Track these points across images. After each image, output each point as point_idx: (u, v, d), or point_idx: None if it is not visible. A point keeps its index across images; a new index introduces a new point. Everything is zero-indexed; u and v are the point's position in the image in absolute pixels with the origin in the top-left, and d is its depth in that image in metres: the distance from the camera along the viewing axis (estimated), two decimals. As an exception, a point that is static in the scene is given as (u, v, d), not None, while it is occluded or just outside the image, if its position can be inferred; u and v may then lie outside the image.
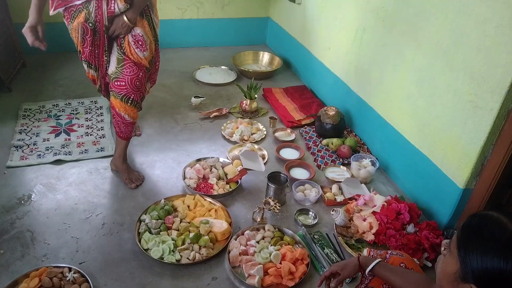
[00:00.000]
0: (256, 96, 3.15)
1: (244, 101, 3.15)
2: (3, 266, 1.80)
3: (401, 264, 1.45)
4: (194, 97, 3.18)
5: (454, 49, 1.95)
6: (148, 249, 1.90)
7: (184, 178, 2.40)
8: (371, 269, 1.40)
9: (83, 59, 2.17)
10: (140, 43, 2.08)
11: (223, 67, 3.90)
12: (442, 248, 1.03)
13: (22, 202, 2.16)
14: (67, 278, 1.72)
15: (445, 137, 2.06)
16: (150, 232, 1.99)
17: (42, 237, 1.96)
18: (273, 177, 2.30)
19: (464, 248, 0.92)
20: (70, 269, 1.76)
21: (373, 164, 2.53)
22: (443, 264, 1.00)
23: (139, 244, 1.91)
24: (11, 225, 2.02)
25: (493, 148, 1.85)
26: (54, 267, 1.76)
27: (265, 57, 4.08)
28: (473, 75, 1.85)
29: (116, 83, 2.13)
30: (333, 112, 2.81)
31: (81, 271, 1.75)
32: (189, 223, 2.07)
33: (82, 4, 1.95)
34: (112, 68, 2.13)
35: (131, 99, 2.17)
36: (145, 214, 2.08)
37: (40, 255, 1.87)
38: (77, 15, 1.99)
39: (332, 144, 2.74)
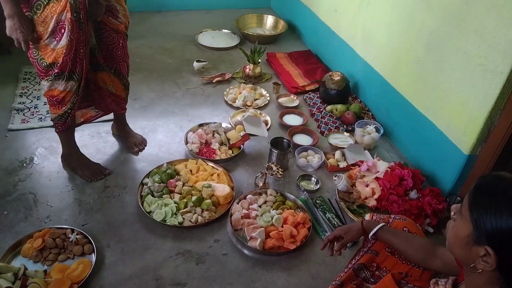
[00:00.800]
0: (259, 60, 3.08)
1: (248, 66, 3.09)
2: (7, 227, 1.82)
3: (404, 229, 1.44)
4: (196, 61, 3.12)
5: (466, 9, 1.87)
6: (150, 211, 1.91)
7: (187, 143, 2.39)
8: (374, 233, 1.39)
9: (57, 72, 1.78)
10: (111, 11, 1.90)
11: (226, 30, 3.80)
12: (452, 213, 0.99)
13: (24, 164, 2.16)
14: (70, 239, 1.73)
15: (452, 102, 2.02)
16: (153, 195, 1.99)
17: (45, 199, 1.97)
18: (276, 142, 2.28)
19: (476, 210, 0.88)
20: (73, 231, 1.77)
21: (377, 130, 2.49)
22: (454, 228, 0.96)
23: (141, 206, 1.92)
24: (13, 187, 2.02)
25: (501, 113, 1.81)
26: (57, 228, 1.78)
27: (269, 20, 3.97)
28: (484, 37, 1.78)
29: (100, 55, 1.96)
30: (338, 78, 2.75)
31: (84, 233, 1.77)
32: (191, 187, 2.06)
33: None
34: (91, 39, 1.89)
35: (113, 68, 2.03)
36: (148, 178, 2.08)
37: (43, 216, 1.88)
38: (49, 2, 1.66)
39: (337, 110, 2.70)
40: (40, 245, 1.69)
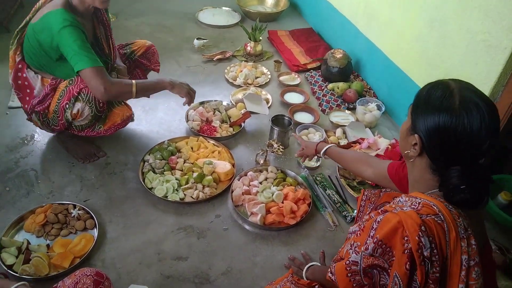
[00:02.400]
0: (261, 38, 3.05)
1: (249, 44, 3.06)
2: (10, 203, 1.83)
3: (395, 197, 1.48)
4: (197, 39, 3.09)
5: (470, -16, 1.84)
6: (152, 188, 1.92)
7: (188, 120, 2.38)
8: (324, 151, 1.71)
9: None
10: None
11: (226, 8, 3.76)
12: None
13: (26, 142, 2.16)
14: (72, 215, 1.75)
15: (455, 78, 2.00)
16: (154, 172, 2.00)
17: (47, 175, 1.98)
18: (277, 120, 2.28)
19: (414, 107, 1.06)
20: (74, 206, 1.79)
21: (378, 108, 2.48)
22: (401, 126, 1.13)
23: (143, 183, 1.93)
24: (15, 163, 2.03)
25: (504, 90, 1.80)
26: (59, 204, 1.79)
27: (270, -3, 3.91)
28: (488, 12, 1.75)
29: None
30: (340, 55, 2.73)
31: (86, 208, 1.78)
32: (192, 163, 2.07)
33: None
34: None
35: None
36: (149, 155, 2.08)
37: (45, 192, 1.90)
38: None
39: (338, 88, 2.68)
40: (42, 220, 1.70)
